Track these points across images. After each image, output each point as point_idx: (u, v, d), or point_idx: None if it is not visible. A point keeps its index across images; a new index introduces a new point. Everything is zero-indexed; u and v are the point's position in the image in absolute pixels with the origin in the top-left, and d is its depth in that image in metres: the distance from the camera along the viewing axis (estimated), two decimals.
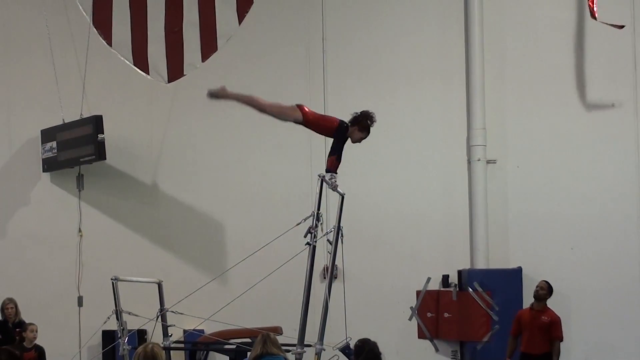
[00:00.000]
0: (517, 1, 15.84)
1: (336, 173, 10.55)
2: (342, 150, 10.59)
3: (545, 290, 13.18)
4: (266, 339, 7.67)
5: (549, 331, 12.95)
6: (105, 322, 11.54)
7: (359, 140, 10.66)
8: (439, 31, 15.95)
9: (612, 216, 15.19)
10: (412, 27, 16.01)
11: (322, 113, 11.22)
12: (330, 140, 10.73)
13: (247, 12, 14.43)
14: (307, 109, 10.65)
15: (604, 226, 15.18)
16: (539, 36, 15.65)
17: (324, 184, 10.58)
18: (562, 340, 13.05)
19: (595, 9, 14.53)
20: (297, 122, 10.65)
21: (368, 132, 10.62)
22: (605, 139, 15.33)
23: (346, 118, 9.91)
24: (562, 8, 15.54)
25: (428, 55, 15.96)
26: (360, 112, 10.58)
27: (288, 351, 9.79)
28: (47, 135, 16.01)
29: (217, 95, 10.79)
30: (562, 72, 15.52)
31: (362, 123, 10.56)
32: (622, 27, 14.48)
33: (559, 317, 13.11)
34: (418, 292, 15.39)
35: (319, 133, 10.93)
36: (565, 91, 15.51)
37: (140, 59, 14.55)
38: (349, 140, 10.63)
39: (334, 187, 10.49)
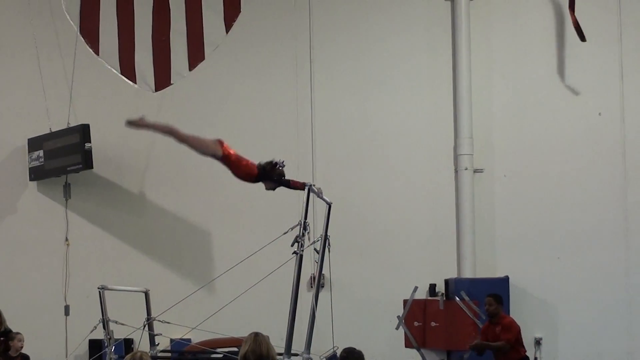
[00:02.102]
0: (504, 10, 15.87)
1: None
2: (288, 184, 10.52)
3: (493, 306, 12.78)
4: (256, 336, 7.62)
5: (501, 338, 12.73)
6: (92, 331, 11.52)
7: (271, 189, 10.62)
8: (425, 40, 15.98)
9: (598, 226, 15.20)
10: (399, 35, 16.04)
11: (245, 156, 10.65)
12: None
13: (234, 20, 14.46)
14: (227, 146, 10.36)
15: (590, 236, 15.19)
16: (526, 45, 15.68)
17: (311, 193, 10.60)
18: (510, 343, 12.52)
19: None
20: (216, 157, 10.36)
21: (279, 184, 10.54)
22: (592, 148, 15.36)
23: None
24: (549, 17, 15.58)
25: (415, 63, 15.98)
26: (266, 163, 10.46)
27: None
28: (34, 144, 15.98)
29: (135, 124, 10.54)
30: (549, 81, 15.55)
31: (269, 176, 10.46)
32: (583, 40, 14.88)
33: (511, 322, 12.74)
34: (405, 301, 15.36)
35: (237, 175, 10.56)
36: (552, 100, 15.54)
37: (128, 68, 14.55)
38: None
39: (321, 196, 10.52)
